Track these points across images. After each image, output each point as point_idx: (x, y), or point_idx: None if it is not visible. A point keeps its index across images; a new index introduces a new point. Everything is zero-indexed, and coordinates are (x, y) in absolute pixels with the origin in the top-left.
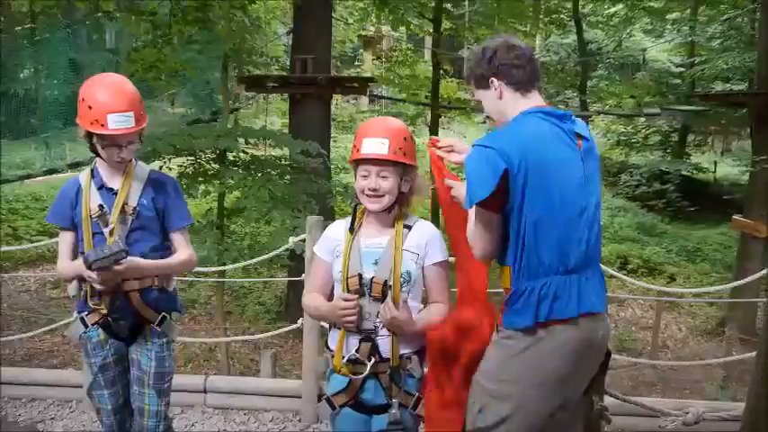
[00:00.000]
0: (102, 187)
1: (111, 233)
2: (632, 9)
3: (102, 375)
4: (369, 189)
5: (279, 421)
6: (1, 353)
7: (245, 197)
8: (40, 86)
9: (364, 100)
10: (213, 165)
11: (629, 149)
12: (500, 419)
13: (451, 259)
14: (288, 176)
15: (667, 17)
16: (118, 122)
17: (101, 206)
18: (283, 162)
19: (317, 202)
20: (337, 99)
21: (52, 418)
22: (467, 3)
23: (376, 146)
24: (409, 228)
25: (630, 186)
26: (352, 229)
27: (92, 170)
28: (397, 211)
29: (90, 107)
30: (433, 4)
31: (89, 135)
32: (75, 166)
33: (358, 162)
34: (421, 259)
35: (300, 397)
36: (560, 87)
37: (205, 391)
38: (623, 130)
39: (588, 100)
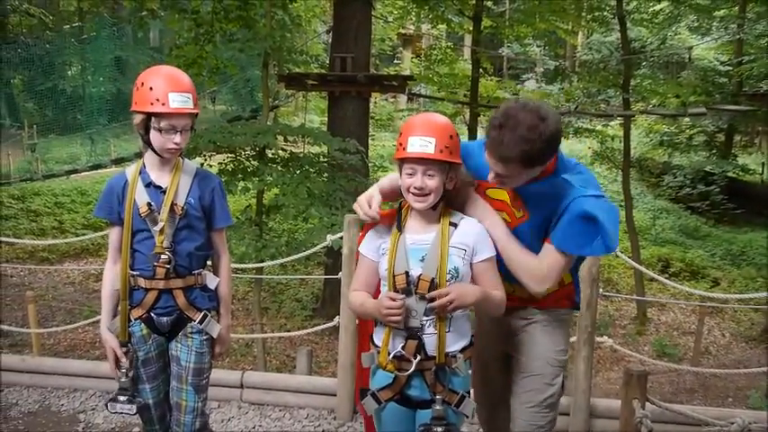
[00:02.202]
0: (149, 184)
1: (160, 232)
2: (678, 6)
3: (144, 370)
4: (414, 188)
5: (314, 418)
6: (44, 343)
7: (283, 194)
8: (87, 83)
9: (402, 98)
10: (252, 162)
11: (673, 150)
12: (562, 385)
13: None
14: (326, 174)
15: (714, 14)
16: (179, 101)
17: (149, 204)
18: (321, 159)
19: (355, 200)
20: (376, 97)
21: (93, 409)
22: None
23: (422, 145)
24: (455, 225)
25: (673, 188)
26: (399, 227)
27: (140, 166)
28: (442, 208)
29: (151, 88)
30: (474, 2)
31: (145, 121)
32: (119, 161)
33: (403, 160)
34: (468, 256)
35: (336, 395)
36: (602, 86)
37: (242, 387)
38: (667, 129)
39: (631, 99)
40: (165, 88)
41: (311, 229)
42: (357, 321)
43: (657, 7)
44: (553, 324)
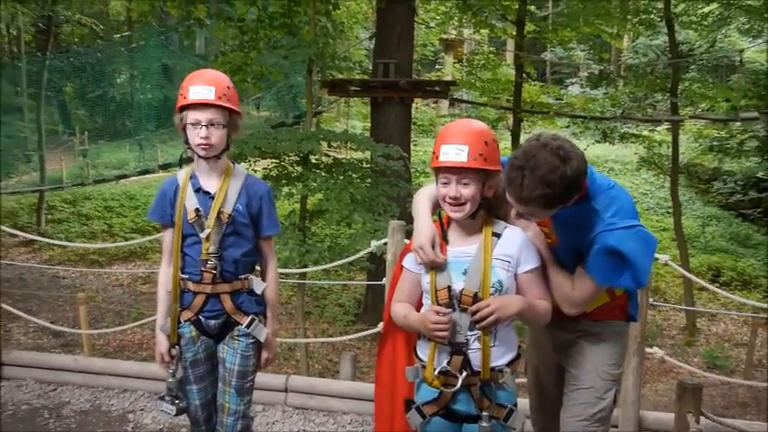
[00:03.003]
0: (198, 190)
1: (207, 238)
2: (728, 8)
3: (192, 371)
4: (450, 197)
5: (357, 424)
6: (94, 343)
7: (326, 199)
8: (135, 91)
9: (444, 104)
10: (296, 167)
11: (723, 155)
12: (615, 399)
13: None
14: (369, 179)
15: (766, 16)
16: (198, 93)
17: (197, 210)
18: (364, 165)
19: (398, 206)
20: (417, 102)
21: (142, 409)
22: (550, 4)
23: (454, 153)
24: (498, 235)
25: (724, 194)
26: (445, 239)
27: (190, 171)
28: (483, 218)
29: (181, 87)
30: (517, 6)
31: (181, 121)
32: (167, 167)
33: (438, 169)
34: (513, 267)
35: None
36: (649, 91)
37: (286, 391)
38: (717, 134)
39: (679, 103)
40: (189, 83)
41: (354, 234)
42: (381, 329)
43: (706, 9)
44: (606, 337)
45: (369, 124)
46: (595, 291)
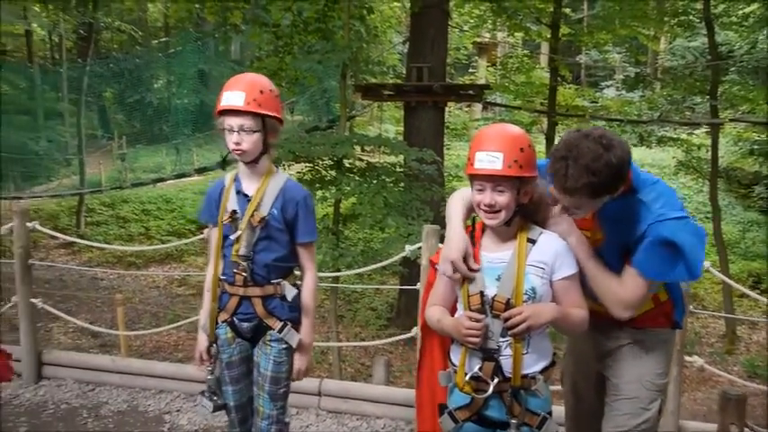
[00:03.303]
0: (239, 192)
1: (237, 240)
2: None
3: (228, 372)
4: (484, 205)
5: (391, 429)
6: (130, 344)
7: (360, 204)
8: (172, 96)
9: (478, 107)
10: (330, 171)
11: (764, 159)
12: (659, 410)
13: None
14: (402, 183)
15: None
16: (228, 99)
17: (234, 211)
18: (398, 169)
19: (431, 210)
20: (450, 106)
21: (178, 411)
22: (585, 6)
23: (489, 160)
24: (533, 241)
25: (765, 199)
26: (473, 244)
27: (236, 173)
28: (518, 223)
29: (220, 91)
30: (552, 9)
31: (220, 125)
32: (202, 170)
33: (473, 176)
34: (548, 274)
35: (413, 406)
36: (687, 93)
37: (320, 395)
38: (757, 138)
39: (719, 106)
40: (225, 88)
41: (387, 238)
42: (420, 334)
43: (747, 9)
44: (650, 345)
45: (402, 128)
46: (646, 289)
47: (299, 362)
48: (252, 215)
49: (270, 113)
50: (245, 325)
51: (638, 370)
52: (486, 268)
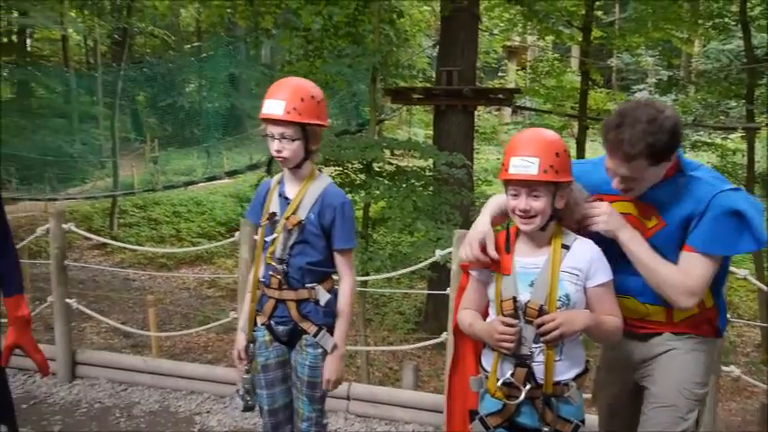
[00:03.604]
0: (281, 194)
1: (273, 242)
2: None
3: (263, 376)
4: (519, 210)
5: None
6: (161, 345)
7: (389, 208)
8: (203, 99)
9: (507, 111)
10: (359, 175)
11: None
12: (697, 422)
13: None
14: (431, 187)
15: None
16: (268, 107)
17: (273, 214)
18: (427, 173)
19: (460, 214)
20: (480, 110)
21: (208, 412)
22: (617, 9)
23: (524, 165)
24: (568, 247)
25: None
26: (507, 249)
27: (281, 176)
28: (553, 229)
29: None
30: (583, 12)
31: (264, 130)
32: (233, 173)
33: (507, 181)
34: (581, 281)
35: (442, 412)
36: (722, 97)
37: (348, 399)
38: None
39: (755, 110)
40: (266, 95)
41: (416, 242)
42: (453, 339)
43: None
44: (691, 352)
45: (431, 132)
46: (713, 270)
47: (328, 371)
48: (288, 218)
49: (310, 121)
50: (281, 328)
51: (678, 377)
52: (520, 273)
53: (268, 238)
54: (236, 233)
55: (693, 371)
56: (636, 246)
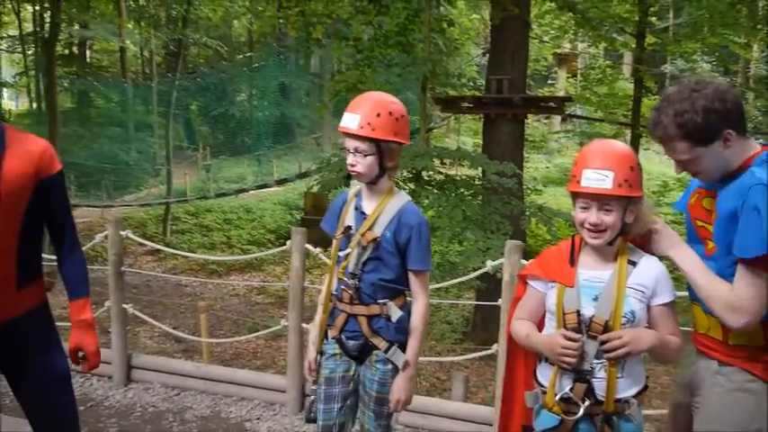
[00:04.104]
0: (357, 208)
1: (346, 257)
2: None
3: (324, 389)
4: (589, 223)
5: None
6: (211, 350)
7: (439, 217)
8: (254, 108)
9: (556, 119)
10: (408, 184)
11: None
12: None
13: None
14: (480, 197)
15: None
16: (344, 121)
17: (348, 227)
18: (476, 182)
19: (510, 224)
20: (529, 118)
21: (258, 419)
22: (671, 15)
23: (598, 179)
24: (634, 263)
25: None
26: (572, 261)
27: (359, 189)
28: (620, 244)
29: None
30: (637, 18)
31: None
32: (282, 182)
33: (578, 194)
34: (646, 298)
35: (492, 425)
36: None
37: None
38: None
39: None
40: (347, 108)
41: (465, 251)
42: (505, 350)
43: None
44: (735, 393)
45: (479, 140)
46: (757, 283)
47: (398, 390)
48: (363, 234)
49: (385, 138)
50: (352, 343)
51: (715, 421)
52: (583, 287)
53: (342, 253)
54: (288, 242)
55: (735, 418)
56: (685, 260)
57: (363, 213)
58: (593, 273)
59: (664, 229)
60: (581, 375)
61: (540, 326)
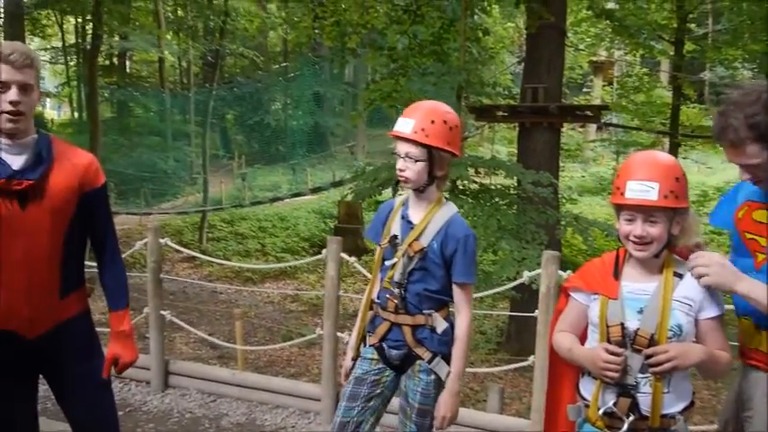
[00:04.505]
0: (404, 217)
1: (392, 267)
2: None
3: (351, 387)
4: (634, 236)
5: None
6: (246, 357)
7: (473, 226)
8: (288, 117)
9: (592, 127)
10: (443, 193)
11: None
12: None
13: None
14: (515, 206)
15: None
16: (398, 125)
17: (394, 237)
18: (511, 191)
19: (546, 233)
20: (564, 127)
21: (293, 427)
22: (710, 21)
23: (643, 191)
24: (680, 276)
25: None
26: (616, 274)
27: (406, 198)
28: (665, 256)
29: None
30: (675, 26)
31: None
32: (317, 190)
33: (622, 205)
34: (694, 312)
35: None
36: None
37: None
38: None
39: None
40: (402, 114)
41: (499, 261)
42: (549, 362)
43: None
44: None
45: (513, 149)
46: None
47: (444, 407)
48: (410, 244)
49: (437, 145)
50: (395, 352)
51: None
52: (627, 299)
53: (388, 262)
54: (323, 250)
55: None
56: (757, 294)
57: (410, 223)
58: (637, 285)
59: (721, 262)
60: (625, 390)
61: (582, 339)
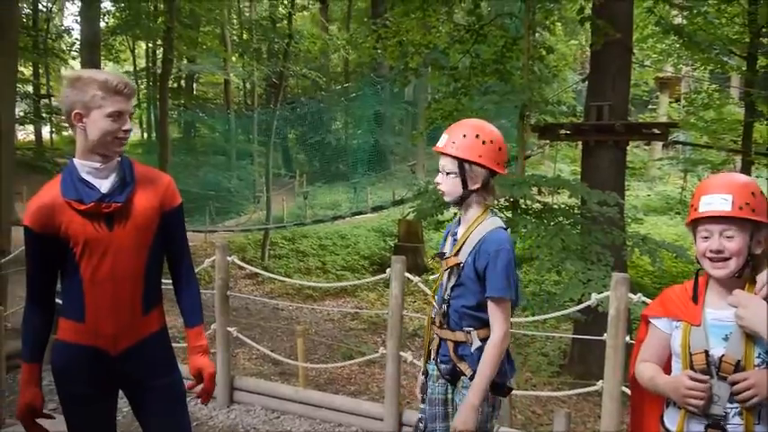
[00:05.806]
0: (453, 234)
1: (435, 281)
2: None
3: (427, 408)
4: (711, 251)
5: None
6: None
7: (537, 247)
8: (349, 136)
9: (658, 145)
10: (505, 213)
11: None
12: None
13: None
14: (580, 226)
15: None
16: (440, 140)
17: (442, 253)
18: (575, 211)
19: (612, 254)
20: (629, 144)
21: None
22: None
23: (717, 202)
24: (767, 300)
25: None
26: (695, 299)
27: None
28: (749, 278)
29: None
30: (747, 40)
31: None
32: (377, 209)
33: (697, 222)
34: None
35: None
36: None
37: None
38: None
39: None
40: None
41: (564, 282)
42: (630, 391)
43: None
44: None
45: (577, 167)
46: None
47: (457, 418)
48: (448, 259)
49: (467, 158)
50: (443, 366)
51: None
52: (711, 326)
53: (432, 277)
54: (387, 270)
55: None
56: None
57: (455, 239)
58: (721, 311)
59: (759, 304)
60: (714, 421)
61: (666, 369)
